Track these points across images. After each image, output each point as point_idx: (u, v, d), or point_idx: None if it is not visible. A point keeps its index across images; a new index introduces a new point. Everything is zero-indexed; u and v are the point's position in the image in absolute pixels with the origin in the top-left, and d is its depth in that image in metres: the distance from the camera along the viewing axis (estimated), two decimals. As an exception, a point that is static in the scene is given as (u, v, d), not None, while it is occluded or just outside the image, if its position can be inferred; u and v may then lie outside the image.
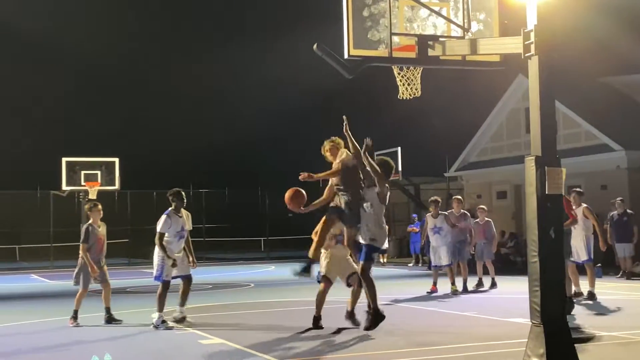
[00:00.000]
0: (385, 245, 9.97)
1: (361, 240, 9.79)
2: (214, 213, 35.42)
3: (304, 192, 10.26)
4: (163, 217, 10.96)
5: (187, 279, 11.28)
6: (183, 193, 11.24)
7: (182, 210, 11.16)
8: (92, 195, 26.33)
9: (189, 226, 11.27)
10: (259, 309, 13.27)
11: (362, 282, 9.74)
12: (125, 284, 19.29)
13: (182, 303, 11.22)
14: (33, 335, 10.94)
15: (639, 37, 26.26)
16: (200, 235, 32.61)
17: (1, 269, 27.58)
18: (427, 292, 15.07)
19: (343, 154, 10.19)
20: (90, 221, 11.49)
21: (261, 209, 35.29)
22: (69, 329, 11.13)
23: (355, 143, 9.78)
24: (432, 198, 15.98)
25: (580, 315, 11.29)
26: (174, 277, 11.07)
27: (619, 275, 18.30)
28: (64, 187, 27.06)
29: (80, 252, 11.35)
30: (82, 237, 11.33)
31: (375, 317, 9.69)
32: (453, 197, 17.01)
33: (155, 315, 10.95)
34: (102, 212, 11.61)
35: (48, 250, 31.04)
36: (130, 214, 32.41)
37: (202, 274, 23.39)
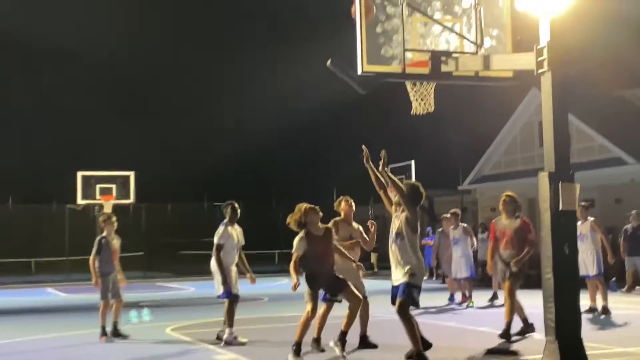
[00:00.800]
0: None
1: (395, 283, 8.48)
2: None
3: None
4: (222, 228, 10.66)
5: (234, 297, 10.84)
6: (237, 205, 10.93)
7: (236, 223, 10.90)
8: (107, 209, 26.37)
9: (242, 240, 10.97)
10: (272, 324, 13.29)
11: (401, 322, 8.32)
12: (139, 298, 19.35)
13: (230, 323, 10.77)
14: (52, 350, 10.99)
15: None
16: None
17: (17, 282, 27.71)
18: (458, 303, 15.33)
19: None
20: (104, 233, 11.43)
21: (275, 222, 35.31)
22: (83, 343, 11.17)
23: (379, 175, 8.96)
24: (452, 210, 16.17)
25: (596, 331, 11.24)
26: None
27: (625, 290, 18.06)
28: (79, 200, 27.19)
29: (90, 263, 11.27)
30: (94, 248, 11.25)
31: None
32: (442, 216, 17.01)
33: (226, 331, 10.64)
34: (116, 224, 11.55)
35: (64, 263, 31.19)
36: (144, 228, 32.53)
37: (215, 287, 23.43)
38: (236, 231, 10.81)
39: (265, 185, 45.56)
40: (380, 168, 8.88)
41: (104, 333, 11.18)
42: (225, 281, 10.58)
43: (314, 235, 9.26)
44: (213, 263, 10.75)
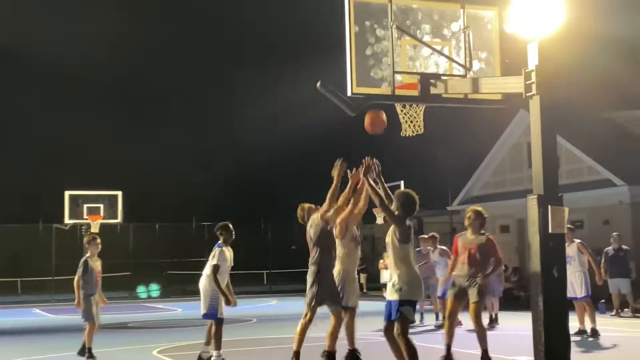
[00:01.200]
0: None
1: (389, 298, 8.20)
2: (217, 246, 35.31)
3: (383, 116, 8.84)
4: (218, 249, 10.55)
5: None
6: (231, 226, 10.84)
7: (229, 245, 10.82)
8: (95, 229, 26.30)
9: (232, 262, 10.88)
10: (261, 346, 13.19)
11: (401, 344, 7.99)
12: (126, 319, 19.20)
13: (209, 342, 10.72)
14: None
15: (638, 71, 26.40)
16: (202, 268, 32.48)
17: (3, 302, 27.46)
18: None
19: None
20: (87, 254, 11.39)
21: (264, 241, 35.23)
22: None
23: (375, 188, 8.59)
24: (430, 233, 16.60)
25: (585, 354, 11.21)
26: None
27: (613, 314, 18.05)
28: (67, 220, 27.05)
29: (75, 284, 11.22)
30: (80, 269, 11.19)
31: None
32: (420, 237, 17.03)
33: (214, 354, 10.51)
34: (100, 245, 11.51)
35: (50, 283, 30.95)
36: (132, 247, 32.36)
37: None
38: (230, 252, 10.75)
39: (254, 206, 45.51)
40: (363, 174, 8.80)
41: (90, 355, 11.08)
42: (215, 304, 10.46)
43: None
44: (202, 283, 10.65)
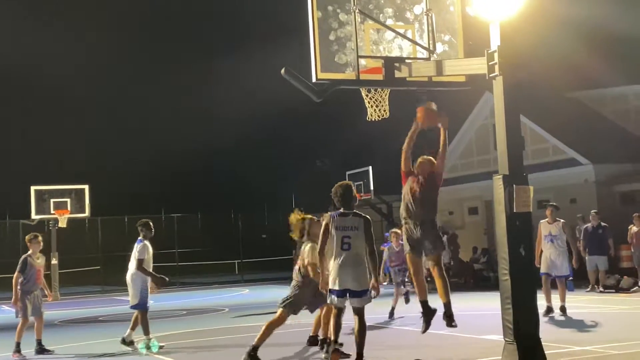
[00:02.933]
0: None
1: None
2: (187, 237, 35.21)
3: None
4: (141, 244, 11.27)
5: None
6: (151, 223, 11.60)
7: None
8: (62, 224, 26.02)
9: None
10: (233, 334, 13.18)
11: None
12: (98, 312, 19.06)
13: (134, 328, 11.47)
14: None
15: (602, 52, 26.71)
16: (173, 260, 32.37)
17: (-30, 300, 27.08)
18: None
19: None
20: (29, 252, 11.55)
21: (234, 231, 35.15)
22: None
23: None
24: (393, 230, 15.79)
25: (553, 330, 11.37)
26: None
27: (589, 289, 18.39)
28: (33, 215, 26.69)
29: (13, 281, 11.43)
30: (18, 267, 11.37)
31: None
32: (390, 231, 16.65)
33: (145, 339, 11.16)
34: (42, 243, 11.75)
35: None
36: (101, 241, 32.09)
37: (176, 299, 23.21)
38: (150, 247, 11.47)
39: (223, 196, 45.36)
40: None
41: (17, 350, 11.24)
42: (143, 294, 11.28)
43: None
44: (129, 277, 11.40)
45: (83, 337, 12.27)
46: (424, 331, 8.93)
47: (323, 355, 9.26)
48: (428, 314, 8.81)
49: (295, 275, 9.70)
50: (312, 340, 10.66)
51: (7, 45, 46.73)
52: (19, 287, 11.33)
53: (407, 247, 8.87)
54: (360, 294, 8.22)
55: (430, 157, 9.04)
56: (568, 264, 13.76)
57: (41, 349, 11.50)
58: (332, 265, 8.29)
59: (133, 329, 11.41)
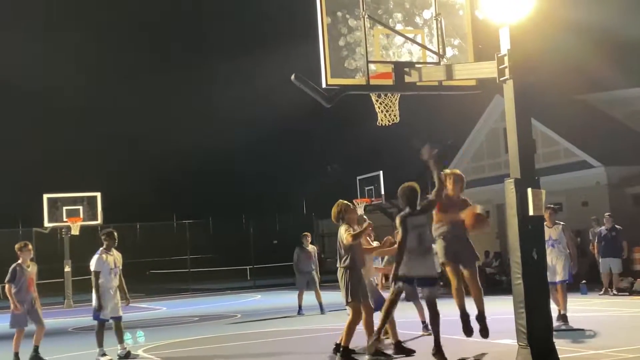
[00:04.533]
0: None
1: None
2: (199, 243, 35.31)
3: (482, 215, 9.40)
4: (95, 256, 11.42)
5: (118, 320, 11.49)
6: (115, 233, 11.68)
7: (113, 249, 11.56)
8: (75, 231, 26.12)
9: (120, 263, 11.66)
10: (246, 340, 13.19)
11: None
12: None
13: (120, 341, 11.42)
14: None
15: (612, 54, 26.62)
16: (185, 266, 32.44)
17: (-16, 308, 27.20)
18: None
19: None
20: (19, 261, 11.48)
21: (246, 237, 35.20)
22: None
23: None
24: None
25: (568, 334, 11.31)
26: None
27: (602, 292, 18.27)
28: (46, 223, 26.81)
29: (6, 291, 11.37)
30: (8, 276, 11.33)
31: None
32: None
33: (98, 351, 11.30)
34: (32, 252, 11.71)
35: (31, 287, 30.67)
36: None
37: (188, 305, 23.25)
38: (113, 257, 11.52)
39: (235, 202, 45.42)
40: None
41: None
42: (100, 306, 11.23)
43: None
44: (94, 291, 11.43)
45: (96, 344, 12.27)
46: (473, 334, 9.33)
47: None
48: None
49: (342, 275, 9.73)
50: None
51: (17, 54, 47.04)
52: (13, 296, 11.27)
53: (443, 259, 9.34)
54: (433, 282, 9.12)
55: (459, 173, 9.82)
56: (568, 268, 12.84)
57: (37, 357, 11.43)
58: (405, 258, 9.01)
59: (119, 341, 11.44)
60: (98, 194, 27.43)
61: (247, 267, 36.50)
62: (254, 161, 53.12)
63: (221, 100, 56.07)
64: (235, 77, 57.07)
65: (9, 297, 11.31)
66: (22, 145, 49.89)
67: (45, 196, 26.76)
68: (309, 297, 17.84)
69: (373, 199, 25.99)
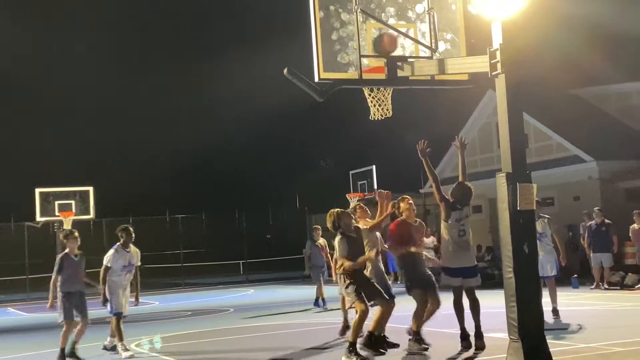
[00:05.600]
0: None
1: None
2: (192, 238, 35.28)
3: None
4: (111, 250, 11.17)
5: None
6: (131, 229, 11.39)
7: (131, 245, 11.30)
8: (67, 225, 26.03)
9: (137, 262, 11.41)
10: (239, 334, 13.21)
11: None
12: (104, 314, 19.08)
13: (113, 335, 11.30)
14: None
15: (605, 49, 26.68)
16: (178, 261, 32.42)
17: (-23, 303, 27.18)
18: None
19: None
20: (66, 250, 10.86)
21: (239, 232, 35.20)
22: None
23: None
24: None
25: (559, 328, 11.36)
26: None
27: (594, 286, 18.35)
28: (38, 218, 26.75)
29: (51, 284, 10.75)
30: (55, 267, 10.71)
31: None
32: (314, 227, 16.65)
33: (118, 345, 11.13)
34: (79, 239, 11.00)
35: (24, 282, 30.67)
36: (106, 243, 32.11)
37: (181, 300, 23.25)
38: (129, 254, 11.25)
39: (227, 196, 45.37)
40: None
41: (62, 356, 10.59)
42: (111, 300, 11.07)
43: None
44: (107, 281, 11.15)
45: (90, 338, 12.25)
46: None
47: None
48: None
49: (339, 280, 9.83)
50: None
51: (11, 48, 46.85)
52: (58, 290, 10.65)
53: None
54: (476, 272, 9.88)
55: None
56: (555, 263, 12.81)
57: (73, 354, 10.73)
58: (450, 250, 9.76)
59: (112, 335, 11.37)
60: (90, 188, 27.38)
61: (240, 261, 36.49)
62: (247, 156, 53.04)
63: (214, 96, 55.99)
64: (228, 72, 56.97)
65: (51, 290, 10.72)
66: (14, 139, 49.72)
67: (37, 190, 26.69)
68: (309, 292, 17.84)
69: (366, 193, 26.00)
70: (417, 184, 32.41)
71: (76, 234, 11.07)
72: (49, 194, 26.71)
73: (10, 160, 47.90)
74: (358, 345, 9.16)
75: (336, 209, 9.71)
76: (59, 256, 10.91)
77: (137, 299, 11.60)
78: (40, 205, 26.49)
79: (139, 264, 11.48)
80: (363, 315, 9.14)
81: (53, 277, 10.77)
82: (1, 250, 34.13)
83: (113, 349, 11.21)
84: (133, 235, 11.33)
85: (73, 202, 26.64)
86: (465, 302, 9.78)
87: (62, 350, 10.60)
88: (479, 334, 9.58)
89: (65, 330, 10.67)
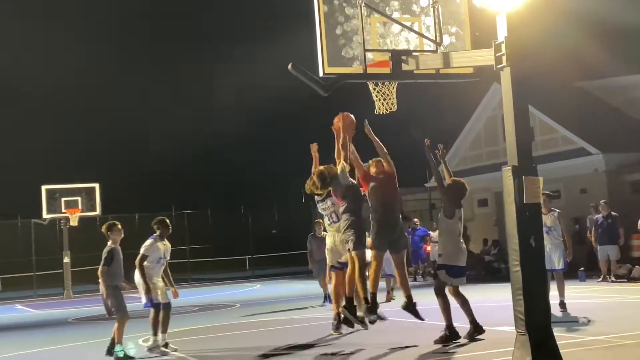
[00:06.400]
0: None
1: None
2: (198, 234, 35.34)
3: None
4: (150, 240, 10.90)
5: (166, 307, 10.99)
6: (168, 221, 11.16)
7: (166, 239, 11.09)
8: (74, 222, 26.16)
9: (168, 256, 11.19)
10: (245, 330, 13.23)
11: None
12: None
13: (164, 330, 10.96)
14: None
15: (610, 41, 26.59)
16: (184, 257, 32.47)
17: (-16, 300, 27.28)
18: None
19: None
20: (110, 242, 10.64)
21: (245, 227, 35.23)
22: (59, 358, 10.98)
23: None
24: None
25: (566, 321, 11.35)
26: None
27: (600, 279, 18.34)
28: (45, 215, 26.85)
29: (100, 276, 10.52)
30: (103, 260, 10.46)
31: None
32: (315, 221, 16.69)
33: (150, 339, 10.87)
34: (122, 231, 10.84)
35: (31, 279, 30.78)
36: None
37: (188, 295, 23.28)
38: (165, 246, 11.05)
39: (233, 192, 45.40)
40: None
41: (111, 351, 10.45)
42: (149, 290, 10.77)
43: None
44: (137, 274, 10.85)
45: (96, 334, 12.33)
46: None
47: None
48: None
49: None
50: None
51: (16, 46, 46.93)
52: (107, 282, 10.48)
53: (378, 245, 10.00)
54: None
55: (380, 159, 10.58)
56: (563, 257, 12.77)
57: (111, 350, 10.57)
58: (455, 248, 9.91)
59: (158, 332, 10.91)
60: (96, 185, 27.47)
61: (246, 257, 36.56)
62: (252, 151, 53.08)
63: (219, 91, 55.98)
64: (234, 66, 56.95)
65: (102, 283, 10.50)
66: (21, 136, 49.82)
67: (44, 187, 26.78)
68: (316, 287, 17.84)
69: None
70: (423, 178, 32.39)
71: (119, 225, 10.83)
72: (55, 191, 26.82)
73: (16, 157, 48.03)
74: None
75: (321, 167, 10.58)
76: (107, 248, 10.63)
77: (175, 291, 11.26)
78: (46, 202, 26.59)
79: (169, 258, 11.17)
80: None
81: (101, 268, 10.53)
82: (8, 247, 34.26)
83: (165, 346, 10.79)
84: (170, 227, 11.13)
85: (79, 198, 26.73)
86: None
87: (119, 344, 10.45)
88: (479, 325, 9.92)
89: (120, 324, 10.54)
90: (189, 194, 43.38)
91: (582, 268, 18.99)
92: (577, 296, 14.70)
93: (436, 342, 9.71)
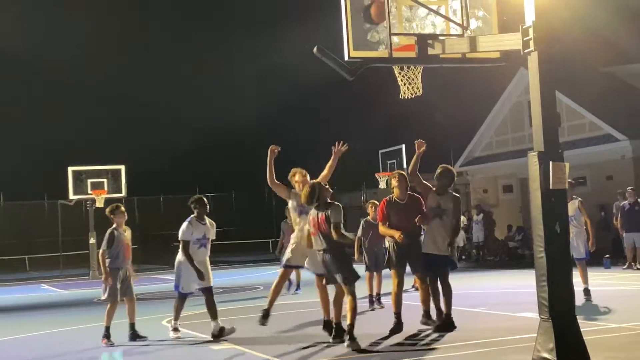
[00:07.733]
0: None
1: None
2: (222, 216, 35.48)
3: None
4: (185, 224, 10.48)
5: (207, 291, 10.61)
6: (205, 199, 10.78)
7: (206, 218, 10.70)
8: (99, 204, 26.39)
9: (212, 235, 10.77)
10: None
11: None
12: (136, 290, 19.32)
13: (213, 316, 10.55)
14: (50, 345, 10.99)
15: (637, 25, 26.22)
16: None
17: (11, 279, 27.65)
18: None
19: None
20: (114, 225, 10.53)
21: (268, 210, 35.34)
22: (80, 338, 11.15)
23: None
24: (372, 201, 14.55)
25: (590, 308, 11.30)
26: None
27: (626, 267, 18.21)
28: (71, 196, 27.15)
29: (100, 258, 10.53)
30: (104, 242, 10.42)
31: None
32: (368, 202, 14.87)
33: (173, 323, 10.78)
34: (126, 214, 10.73)
35: (57, 259, 31.16)
36: (138, 221, 32.47)
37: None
38: (205, 226, 10.64)
39: (256, 175, 45.44)
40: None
41: (107, 335, 10.38)
42: (179, 278, 10.57)
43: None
44: (179, 257, 10.58)
45: (120, 314, 12.42)
46: None
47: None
48: None
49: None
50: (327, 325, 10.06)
51: (44, 27, 47.22)
52: (106, 265, 10.36)
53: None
54: None
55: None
56: (585, 245, 12.51)
57: (134, 335, 10.56)
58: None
59: (213, 316, 10.58)
60: (122, 167, 27.69)
61: (270, 240, 36.67)
62: (275, 134, 52.93)
63: (242, 75, 56.03)
64: (257, 51, 56.96)
65: (101, 266, 10.42)
66: (47, 118, 50.22)
67: (70, 169, 27.06)
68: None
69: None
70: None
71: (122, 208, 10.69)
72: (81, 172, 27.10)
73: (43, 139, 48.48)
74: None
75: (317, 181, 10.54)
76: (108, 231, 10.57)
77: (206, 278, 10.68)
78: (73, 184, 26.89)
79: (214, 237, 10.84)
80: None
81: (101, 250, 10.53)
82: (35, 227, 34.73)
83: (221, 332, 10.40)
84: (207, 206, 10.67)
85: (105, 180, 26.99)
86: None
87: (107, 328, 10.41)
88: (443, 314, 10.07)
89: (110, 309, 10.48)
90: (213, 176, 43.52)
91: (608, 255, 18.86)
92: (602, 284, 14.61)
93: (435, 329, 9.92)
